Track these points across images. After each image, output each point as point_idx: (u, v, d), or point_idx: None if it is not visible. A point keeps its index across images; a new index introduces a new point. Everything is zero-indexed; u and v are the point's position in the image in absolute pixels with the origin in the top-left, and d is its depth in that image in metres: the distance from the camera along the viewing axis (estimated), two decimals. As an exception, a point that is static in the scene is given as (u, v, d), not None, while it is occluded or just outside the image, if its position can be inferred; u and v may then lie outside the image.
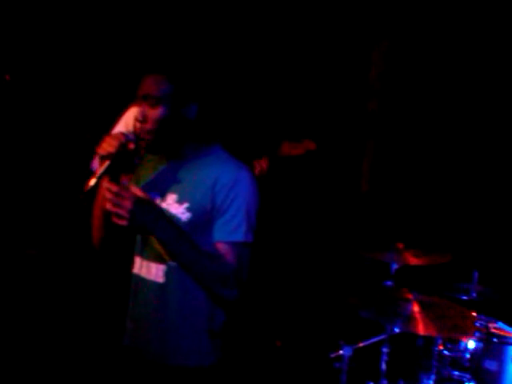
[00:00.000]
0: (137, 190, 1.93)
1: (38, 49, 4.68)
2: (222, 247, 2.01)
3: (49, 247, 4.47)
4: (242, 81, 4.48)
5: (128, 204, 1.87)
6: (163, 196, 2.08)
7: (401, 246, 3.48)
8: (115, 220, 1.90)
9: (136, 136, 2.04)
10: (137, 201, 1.88)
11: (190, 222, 2.02)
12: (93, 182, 1.98)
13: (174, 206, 2.05)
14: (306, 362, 3.96)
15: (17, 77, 4.34)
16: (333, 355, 3.26)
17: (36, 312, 4.11)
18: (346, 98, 5.18)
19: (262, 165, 3.69)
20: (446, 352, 2.89)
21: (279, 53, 4.92)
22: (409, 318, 2.81)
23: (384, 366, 3.20)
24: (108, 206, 1.90)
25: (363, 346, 3.35)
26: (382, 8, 5.01)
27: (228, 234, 2.02)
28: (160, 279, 2.06)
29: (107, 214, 1.99)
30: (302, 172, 4.83)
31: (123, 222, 1.88)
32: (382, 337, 3.23)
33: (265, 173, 3.69)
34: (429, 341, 3.08)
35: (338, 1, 5.03)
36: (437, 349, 2.83)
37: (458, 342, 2.91)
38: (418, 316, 2.81)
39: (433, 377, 2.89)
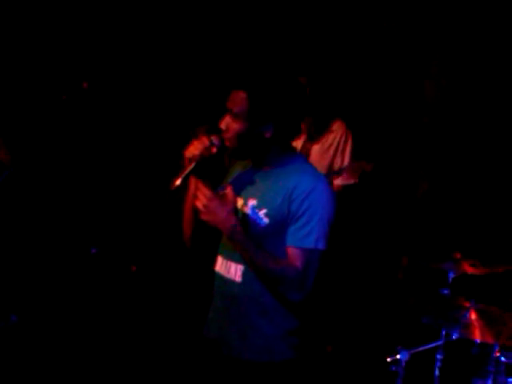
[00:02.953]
0: (230, 195, 2.12)
1: (120, 56, 4.92)
2: (291, 251, 2.12)
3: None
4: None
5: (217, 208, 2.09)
6: (245, 200, 2.23)
7: (458, 255, 3.52)
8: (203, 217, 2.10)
9: (221, 142, 2.20)
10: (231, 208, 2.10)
11: (267, 226, 2.15)
12: (179, 181, 2.16)
13: (253, 211, 2.19)
14: (363, 365, 4.06)
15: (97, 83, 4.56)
16: (390, 359, 3.37)
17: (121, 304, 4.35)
18: (402, 113, 5.29)
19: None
20: (503, 358, 2.97)
21: (340, 72, 5.05)
22: (466, 325, 2.90)
23: (437, 373, 3.30)
24: (197, 204, 2.11)
25: (419, 352, 3.44)
26: (436, 28, 5.11)
27: (299, 239, 2.12)
28: (238, 278, 2.20)
29: (196, 210, 2.18)
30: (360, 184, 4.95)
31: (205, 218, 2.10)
32: (438, 343, 3.31)
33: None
34: (485, 348, 3.16)
35: (395, 18, 5.15)
36: (494, 355, 2.92)
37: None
38: (475, 323, 2.91)
39: (489, 383, 2.97)
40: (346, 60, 5.12)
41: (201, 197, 2.11)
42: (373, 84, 5.21)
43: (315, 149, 4.03)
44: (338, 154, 4.06)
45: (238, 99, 2.16)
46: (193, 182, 2.22)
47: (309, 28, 5.08)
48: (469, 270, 3.45)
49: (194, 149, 2.18)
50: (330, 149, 4.05)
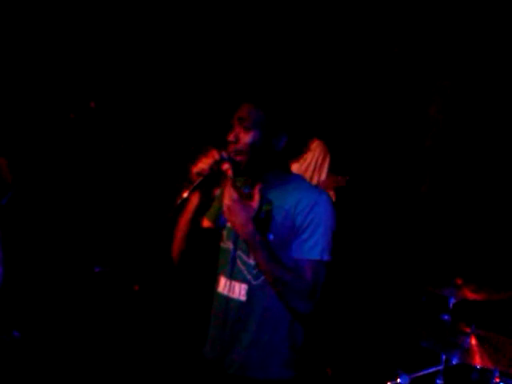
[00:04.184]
0: (256, 198, 2.15)
1: (128, 75, 4.99)
2: (299, 263, 2.16)
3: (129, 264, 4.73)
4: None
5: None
6: None
7: (459, 281, 3.54)
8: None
9: (230, 157, 2.20)
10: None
11: (272, 243, 2.17)
12: (186, 194, 2.17)
13: None
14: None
15: (103, 103, 4.62)
16: (390, 383, 3.38)
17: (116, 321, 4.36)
18: (404, 135, 5.35)
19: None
20: (502, 384, 2.98)
21: (341, 90, 5.13)
22: (466, 350, 2.93)
23: (438, 398, 3.30)
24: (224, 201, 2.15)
25: (420, 376, 3.45)
26: (444, 49, 5.18)
27: (305, 251, 2.16)
28: (243, 297, 2.23)
29: (192, 227, 2.23)
30: (360, 205, 5.00)
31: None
32: (438, 367, 3.32)
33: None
34: (485, 373, 3.17)
35: (401, 42, 5.23)
36: (493, 381, 2.93)
37: (515, 376, 2.99)
38: (475, 349, 2.93)
39: (488, 408, 2.98)
40: (352, 80, 5.21)
41: (226, 196, 2.15)
42: (376, 106, 5.28)
43: (294, 167, 4.14)
44: (316, 170, 4.30)
45: (251, 111, 2.18)
46: (194, 197, 2.24)
47: (313, 44, 5.15)
48: (470, 295, 3.47)
49: (202, 164, 2.19)
50: (308, 167, 4.29)
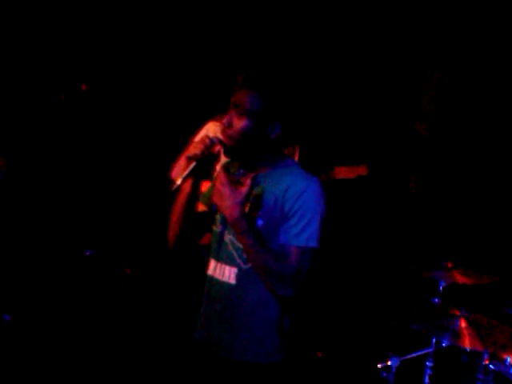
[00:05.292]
0: (245, 185, 2.14)
1: (117, 58, 4.96)
2: (285, 249, 2.16)
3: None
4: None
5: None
6: None
7: (450, 264, 3.56)
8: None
9: (219, 140, 2.20)
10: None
11: (261, 228, 2.18)
12: (179, 181, 2.18)
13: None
14: (353, 371, 4.10)
15: (95, 86, 4.60)
16: (380, 365, 3.41)
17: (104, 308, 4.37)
18: (396, 121, 5.36)
19: None
20: (491, 366, 3.02)
21: (335, 79, 5.13)
22: (456, 333, 2.95)
23: (427, 379, 3.34)
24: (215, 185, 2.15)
25: (410, 358, 3.49)
26: (435, 40, 5.19)
27: (291, 237, 2.16)
28: (232, 281, 2.23)
29: (186, 211, 2.24)
30: (351, 191, 5.01)
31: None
32: (428, 350, 3.36)
33: None
34: (474, 356, 3.21)
35: (394, 32, 5.23)
36: (483, 363, 2.96)
37: (504, 358, 3.02)
38: (465, 331, 2.96)
39: (477, 390, 3.02)
40: (345, 71, 5.20)
41: (217, 180, 2.16)
42: (370, 92, 5.29)
43: None
44: None
45: (249, 96, 2.17)
46: (188, 182, 2.24)
47: (307, 36, 5.15)
48: (460, 279, 3.50)
49: (194, 148, 2.19)
50: None
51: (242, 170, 2.29)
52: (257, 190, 2.22)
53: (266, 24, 5.07)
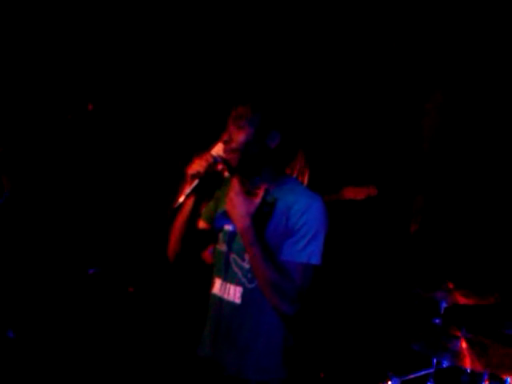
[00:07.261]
0: (258, 196, 2.19)
1: (124, 78, 5.01)
2: (287, 266, 2.18)
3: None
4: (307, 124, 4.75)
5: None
6: None
7: (451, 285, 3.59)
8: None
9: (223, 159, 2.24)
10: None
11: (267, 239, 2.20)
12: (182, 199, 2.22)
13: None
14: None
15: (101, 105, 4.65)
16: (381, 386, 3.42)
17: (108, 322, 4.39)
18: (400, 143, 5.40)
19: None
20: (491, 387, 3.03)
21: (340, 100, 5.17)
22: (457, 353, 2.97)
23: (429, 400, 3.35)
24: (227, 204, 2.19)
25: (411, 379, 3.49)
26: (438, 59, 5.24)
27: (294, 254, 2.18)
28: (237, 300, 2.25)
29: (187, 228, 2.27)
30: (353, 211, 5.03)
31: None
32: (429, 370, 3.37)
33: None
34: (474, 377, 3.22)
35: (396, 53, 5.29)
36: (483, 383, 2.98)
37: (504, 379, 3.03)
38: (465, 352, 2.97)
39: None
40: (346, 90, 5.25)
41: (231, 189, 2.19)
42: (373, 113, 5.33)
43: None
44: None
45: (245, 111, 2.22)
46: (190, 199, 2.27)
47: (306, 48, 5.19)
48: (461, 300, 3.52)
49: (197, 166, 2.22)
50: None
51: (257, 179, 2.30)
52: (270, 200, 2.25)
53: (268, 37, 5.11)
